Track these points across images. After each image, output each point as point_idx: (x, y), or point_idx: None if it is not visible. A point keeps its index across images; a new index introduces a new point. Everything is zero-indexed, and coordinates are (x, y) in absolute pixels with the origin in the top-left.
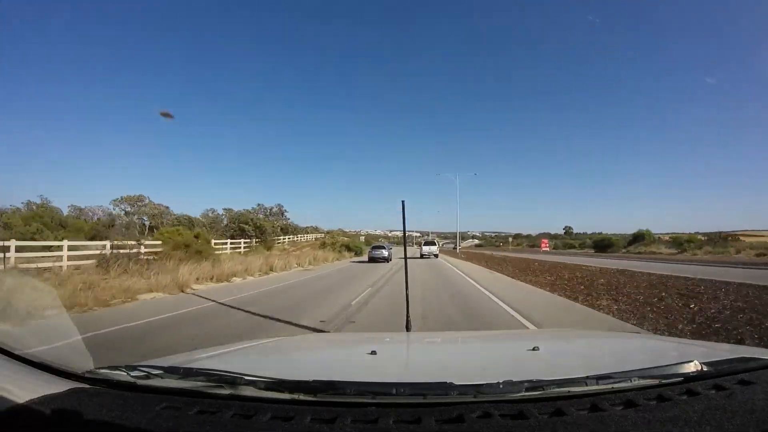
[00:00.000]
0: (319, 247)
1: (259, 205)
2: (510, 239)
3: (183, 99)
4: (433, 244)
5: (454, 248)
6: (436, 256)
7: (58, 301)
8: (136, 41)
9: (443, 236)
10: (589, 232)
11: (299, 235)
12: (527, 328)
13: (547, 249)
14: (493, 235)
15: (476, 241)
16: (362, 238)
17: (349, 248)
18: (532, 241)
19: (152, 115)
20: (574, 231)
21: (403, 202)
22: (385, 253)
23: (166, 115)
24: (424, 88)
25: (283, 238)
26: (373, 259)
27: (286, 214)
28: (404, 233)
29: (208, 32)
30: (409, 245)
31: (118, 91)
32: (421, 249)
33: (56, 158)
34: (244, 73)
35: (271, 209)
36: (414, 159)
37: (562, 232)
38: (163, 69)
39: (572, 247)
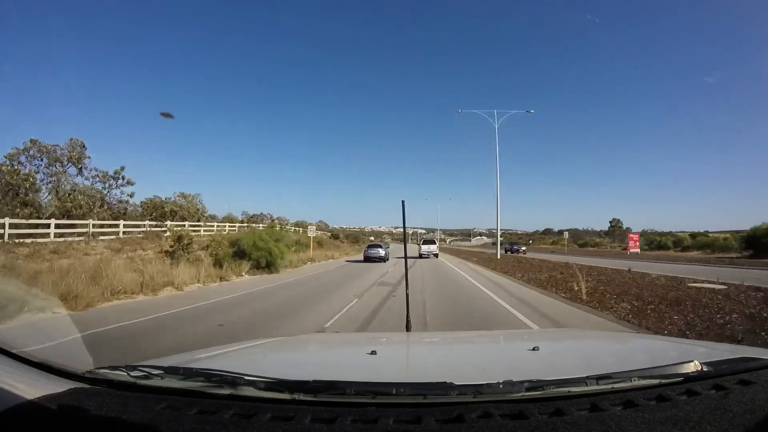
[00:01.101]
0: (168, 250)
1: (34, 142)
2: (565, 233)
3: (179, 96)
4: (432, 242)
5: (513, 246)
6: (436, 255)
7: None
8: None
9: (449, 233)
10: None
11: (186, 223)
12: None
13: (637, 250)
14: (502, 232)
15: (485, 239)
16: (312, 230)
17: (242, 253)
18: (577, 238)
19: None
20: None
21: (403, 202)
22: (382, 252)
23: (166, 115)
24: (426, 87)
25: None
26: (368, 259)
27: (120, 178)
28: (404, 234)
29: (202, 28)
30: (414, 243)
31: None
32: (420, 248)
33: None
34: (244, 71)
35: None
36: (417, 157)
37: (605, 227)
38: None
39: (663, 247)
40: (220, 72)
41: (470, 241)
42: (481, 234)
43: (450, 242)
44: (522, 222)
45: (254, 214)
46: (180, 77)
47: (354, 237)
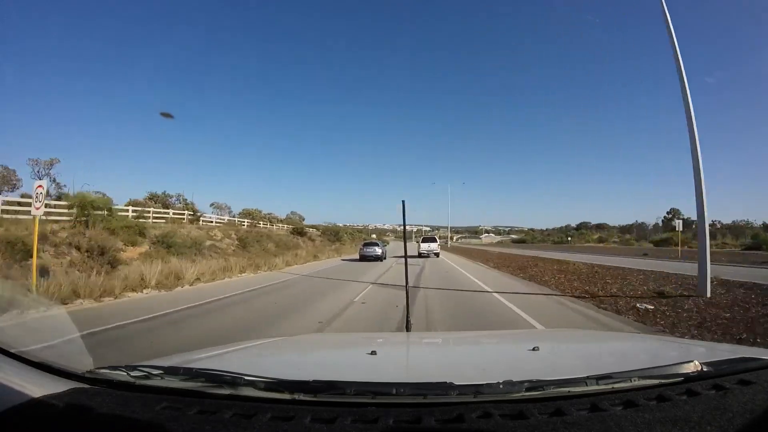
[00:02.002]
0: None
1: None
2: (677, 222)
3: (180, 98)
4: (433, 240)
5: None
6: (437, 255)
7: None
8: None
9: (454, 230)
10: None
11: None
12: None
13: None
14: (508, 229)
15: (495, 237)
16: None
17: None
18: (639, 234)
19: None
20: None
21: (403, 201)
22: (378, 251)
23: (166, 115)
24: (431, 88)
25: None
26: (364, 258)
27: None
28: (404, 233)
29: (202, 27)
30: (417, 241)
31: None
32: (419, 247)
33: None
34: (246, 71)
35: None
36: (419, 157)
37: (657, 221)
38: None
39: None
40: (222, 73)
41: (480, 239)
42: (487, 231)
43: (457, 240)
44: (526, 220)
45: (153, 195)
46: (180, 77)
47: (334, 233)
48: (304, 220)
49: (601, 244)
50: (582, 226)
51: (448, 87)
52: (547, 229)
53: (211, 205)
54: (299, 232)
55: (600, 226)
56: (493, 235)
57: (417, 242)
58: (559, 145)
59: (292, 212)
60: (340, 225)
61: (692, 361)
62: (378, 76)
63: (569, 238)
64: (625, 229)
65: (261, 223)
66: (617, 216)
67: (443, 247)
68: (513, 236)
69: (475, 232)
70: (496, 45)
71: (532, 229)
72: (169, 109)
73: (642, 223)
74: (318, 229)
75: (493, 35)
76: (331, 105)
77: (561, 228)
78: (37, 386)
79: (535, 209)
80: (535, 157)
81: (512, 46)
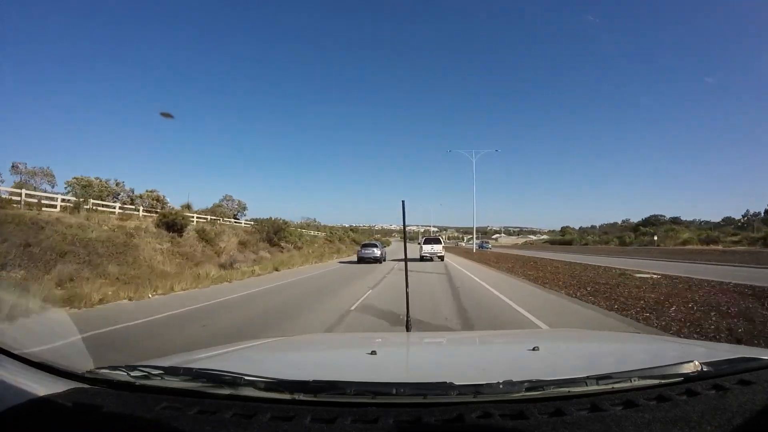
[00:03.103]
0: None
1: None
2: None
3: (176, 95)
4: (436, 241)
5: None
6: (441, 258)
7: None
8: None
9: (462, 231)
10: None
11: None
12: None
13: None
14: (518, 230)
15: (510, 238)
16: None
17: None
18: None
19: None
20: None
21: (403, 202)
22: (377, 252)
23: (166, 115)
24: (438, 83)
25: None
26: (362, 260)
27: None
28: (404, 233)
29: (202, 26)
30: (419, 243)
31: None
32: (421, 249)
33: None
34: (249, 70)
35: None
36: (422, 156)
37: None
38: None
39: None
40: (228, 76)
41: (495, 240)
42: (496, 232)
43: (468, 240)
44: (531, 220)
45: None
46: (169, 75)
47: (275, 229)
48: (245, 209)
49: (719, 247)
50: (654, 221)
51: (449, 86)
52: (593, 227)
53: (68, 183)
54: (170, 226)
55: (675, 221)
56: (505, 236)
57: (419, 244)
58: (564, 146)
59: (226, 196)
60: (334, 225)
61: (692, 361)
62: (378, 75)
63: (655, 238)
64: (739, 224)
65: (140, 211)
66: (626, 213)
67: (463, 253)
68: (532, 237)
69: (484, 233)
70: (498, 41)
71: (567, 227)
72: (171, 108)
73: (757, 214)
74: (260, 224)
75: (497, 30)
76: (328, 105)
77: (612, 224)
78: (37, 386)
79: (537, 210)
80: (540, 157)
81: (512, 45)
